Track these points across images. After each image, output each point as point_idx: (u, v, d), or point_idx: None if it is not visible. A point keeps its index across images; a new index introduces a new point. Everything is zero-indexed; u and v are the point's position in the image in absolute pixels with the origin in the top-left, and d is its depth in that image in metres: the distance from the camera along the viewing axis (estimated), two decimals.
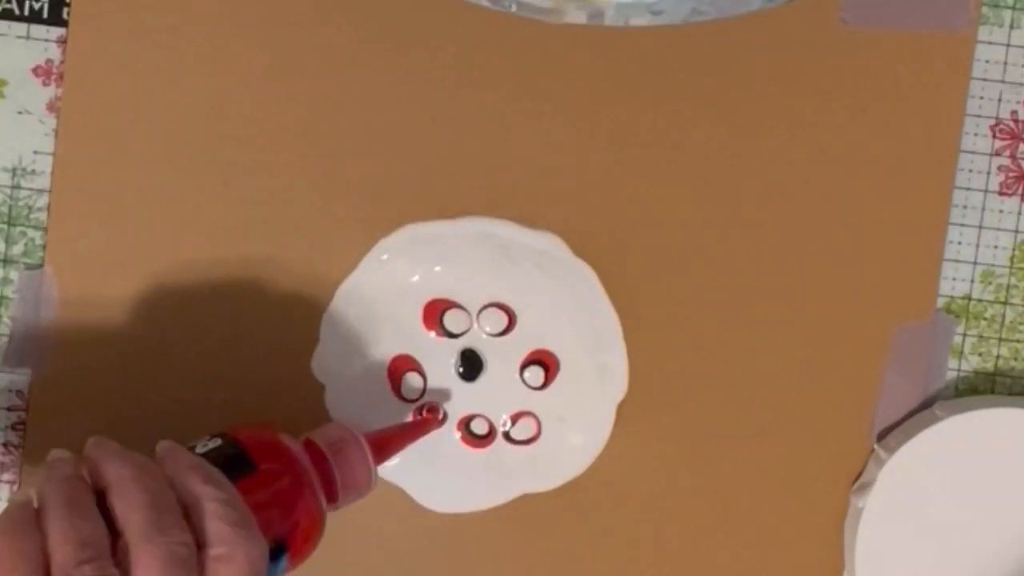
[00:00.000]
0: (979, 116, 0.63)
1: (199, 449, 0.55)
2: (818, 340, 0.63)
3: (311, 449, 0.58)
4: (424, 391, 0.63)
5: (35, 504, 0.51)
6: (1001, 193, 0.63)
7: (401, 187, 0.62)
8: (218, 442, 0.56)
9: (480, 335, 0.63)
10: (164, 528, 0.49)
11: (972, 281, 0.63)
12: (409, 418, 0.62)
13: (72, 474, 0.52)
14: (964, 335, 0.64)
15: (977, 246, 0.63)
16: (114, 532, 0.50)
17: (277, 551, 0.54)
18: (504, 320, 0.62)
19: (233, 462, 0.54)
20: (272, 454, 0.56)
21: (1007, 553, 0.62)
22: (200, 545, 0.50)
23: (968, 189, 0.63)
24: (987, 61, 0.63)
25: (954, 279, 0.63)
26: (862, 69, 0.62)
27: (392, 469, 0.62)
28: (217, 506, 0.50)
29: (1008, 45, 0.63)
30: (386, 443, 0.60)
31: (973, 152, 0.63)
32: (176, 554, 0.48)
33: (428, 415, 0.62)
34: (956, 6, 0.62)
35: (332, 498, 0.58)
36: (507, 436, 0.63)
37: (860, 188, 0.63)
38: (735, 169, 0.63)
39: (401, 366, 0.63)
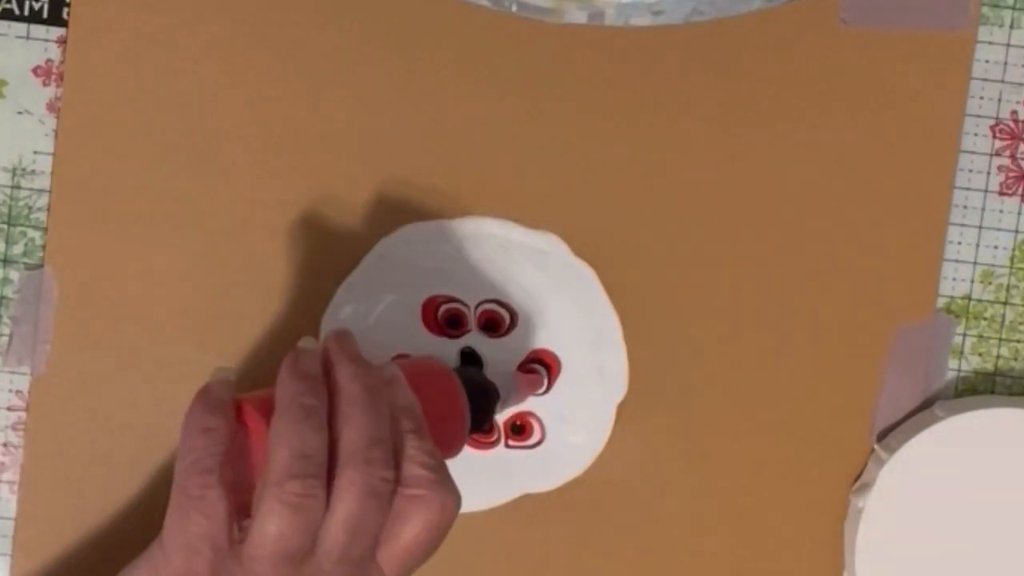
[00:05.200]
0: (979, 116, 0.63)
1: None
2: (818, 340, 0.63)
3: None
4: None
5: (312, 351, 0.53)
6: (1001, 193, 0.63)
7: (401, 187, 0.62)
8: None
9: (480, 335, 0.63)
10: (373, 460, 0.50)
11: (972, 281, 0.63)
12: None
13: (316, 374, 0.52)
14: (964, 335, 0.63)
15: (977, 246, 0.63)
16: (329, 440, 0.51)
17: None
18: (504, 320, 0.62)
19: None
20: (436, 381, 0.56)
21: (1007, 553, 0.62)
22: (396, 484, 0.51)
23: (968, 189, 0.63)
24: (987, 61, 0.63)
25: (954, 279, 0.63)
26: (862, 69, 0.62)
27: None
28: (421, 454, 0.51)
29: (1008, 45, 0.63)
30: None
31: (973, 152, 0.63)
32: (375, 487, 0.49)
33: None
34: (956, 6, 0.62)
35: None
36: (508, 437, 0.63)
37: (860, 188, 0.63)
38: (735, 169, 0.63)
39: None
